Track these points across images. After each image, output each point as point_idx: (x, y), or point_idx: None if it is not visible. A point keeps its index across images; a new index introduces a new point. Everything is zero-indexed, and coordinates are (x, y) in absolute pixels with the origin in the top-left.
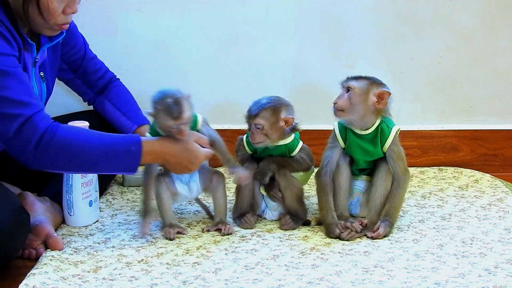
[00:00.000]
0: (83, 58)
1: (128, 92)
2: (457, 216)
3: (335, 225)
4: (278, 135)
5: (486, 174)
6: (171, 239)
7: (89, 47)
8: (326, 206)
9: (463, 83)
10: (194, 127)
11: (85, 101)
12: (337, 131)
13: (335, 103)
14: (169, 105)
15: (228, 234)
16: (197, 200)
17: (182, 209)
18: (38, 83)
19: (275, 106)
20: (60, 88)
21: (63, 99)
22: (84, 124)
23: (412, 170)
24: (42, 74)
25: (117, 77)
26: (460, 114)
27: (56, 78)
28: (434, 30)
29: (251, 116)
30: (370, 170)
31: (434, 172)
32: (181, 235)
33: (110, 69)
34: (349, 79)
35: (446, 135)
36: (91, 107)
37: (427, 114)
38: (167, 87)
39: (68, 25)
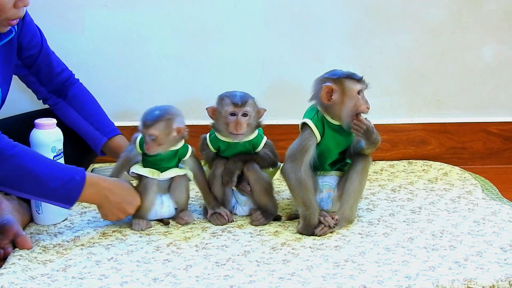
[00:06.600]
0: (38, 54)
1: (92, 97)
2: (426, 209)
3: (317, 226)
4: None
5: (455, 167)
6: (140, 230)
7: (53, 43)
8: (310, 205)
9: (432, 77)
10: (183, 155)
11: (39, 99)
12: (312, 125)
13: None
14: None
15: (187, 223)
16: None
17: None
18: None
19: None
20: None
21: (32, 96)
22: (51, 121)
23: (381, 163)
24: None
25: (76, 77)
26: (429, 107)
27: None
28: (402, 24)
29: (237, 105)
30: (340, 165)
31: (404, 166)
32: (150, 231)
33: (77, 67)
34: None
35: (415, 129)
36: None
37: (397, 108)
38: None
39: (17, 20)
